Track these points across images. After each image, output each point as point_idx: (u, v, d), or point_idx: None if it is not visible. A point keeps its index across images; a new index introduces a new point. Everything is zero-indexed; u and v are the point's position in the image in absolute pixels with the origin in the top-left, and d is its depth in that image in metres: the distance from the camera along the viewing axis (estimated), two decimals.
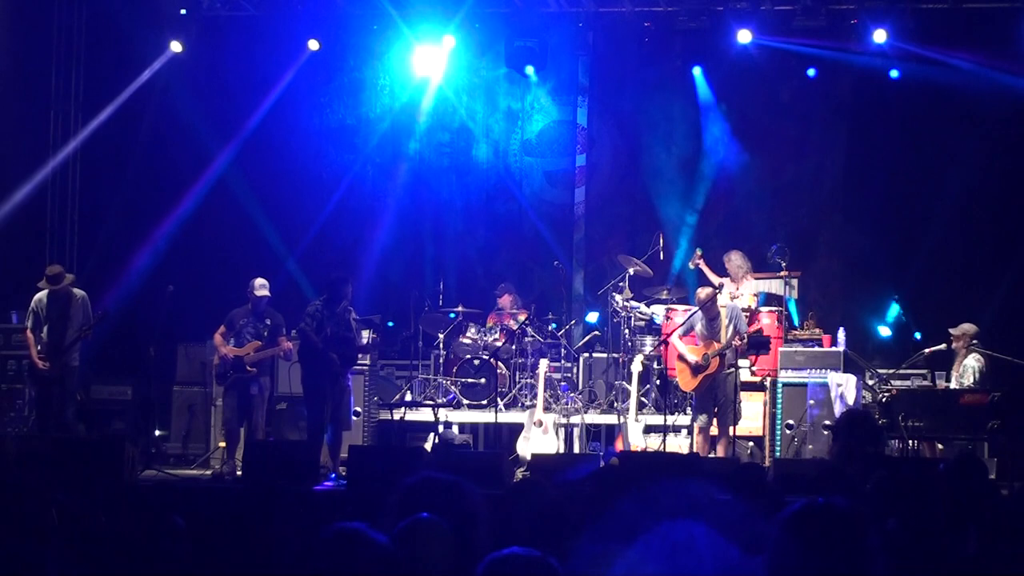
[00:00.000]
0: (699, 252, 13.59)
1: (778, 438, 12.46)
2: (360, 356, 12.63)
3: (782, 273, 13.42)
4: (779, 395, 12.54)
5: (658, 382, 13.35)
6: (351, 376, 12.29)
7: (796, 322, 13.63)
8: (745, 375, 12.29)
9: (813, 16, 14.58)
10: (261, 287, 12.17)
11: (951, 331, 12.04)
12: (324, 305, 11.77)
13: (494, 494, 4.75)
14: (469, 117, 16.46)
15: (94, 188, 15.72)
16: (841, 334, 12.86)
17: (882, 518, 4.32)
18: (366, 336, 13.18)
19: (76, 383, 12.21)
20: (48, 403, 11.93)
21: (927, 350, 12.27)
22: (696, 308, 12.18)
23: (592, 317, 14.88)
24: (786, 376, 12.60)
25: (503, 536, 3.84)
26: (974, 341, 11.95)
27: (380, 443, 13.21)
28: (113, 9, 15.23)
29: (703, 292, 12.13)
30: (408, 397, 13.74)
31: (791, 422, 12.48)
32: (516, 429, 13.07)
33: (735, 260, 13.47)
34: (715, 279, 13.31)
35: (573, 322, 15.21)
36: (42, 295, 12.09)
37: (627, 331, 13.70)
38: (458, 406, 13.63)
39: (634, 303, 13.77)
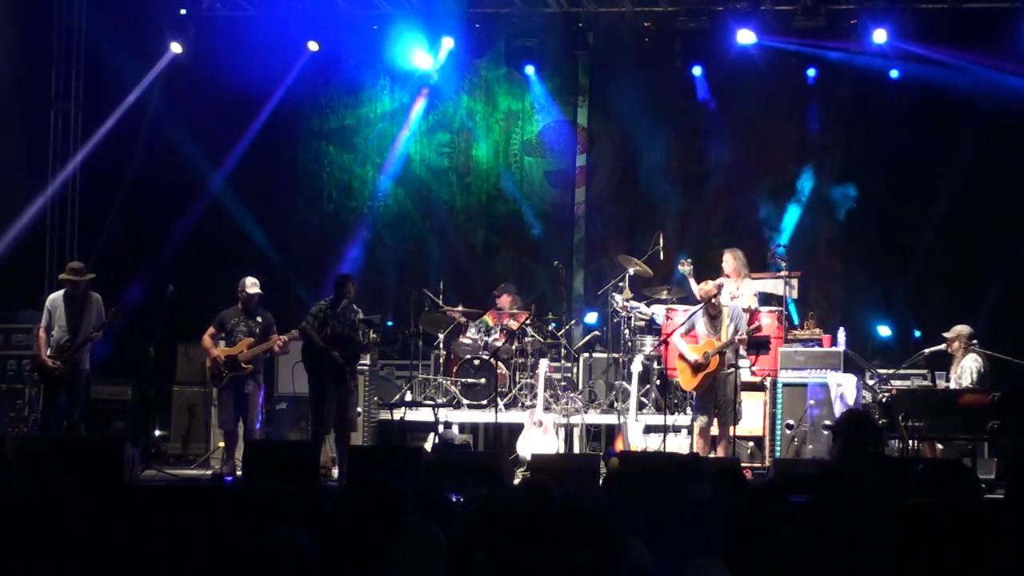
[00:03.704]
0: (687, 262, 13.34)
1: (778, 438, 12.45)
2: (360, 356, 12.64)
3: (782, 273, 13.41)
4: (779, 395, 12.54)
5: (658, 382, 13.35)
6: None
7: (796, 322, 13.63)
8: (745, 375, 12.28)
9: (813, 16, 14.57)
10: (252, 285, 12.18)
11: (944, 335, 12.01)
12: (328, 304, 11.87)
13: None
14: (469, 117, 16.49)
15: (94, 188, 15.73)
16: (841, 334, 12.85)
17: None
18: (371, 335, 13.19)
19: (85, 385, 12.17)
20: (55, 404, 11.88)
21: (927, 350, 12.25)
22: (699, 306, 12.15)
23: (591, 317, 14.89)
24: (786, 376, 12.60)
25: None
26: (973, 342, 11.93)
27: (380, 443, 13.21)
28: (113, 9, 15.24)
29: (708, 284, 12.10)
30: (408, 397, 13.74)
31: (791, 422, 12.47)
32: (516, 429, 13.07)
33: (730, 261, 13.41)
34: (695, 288, 12.87)
35: (573, 322, 15.21)
36: (58, 295, 12.04)
37: (627, 331, 13.69)
38: (458, 406, 13.63)
39: (634, 303, 13.75)
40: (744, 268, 13.36)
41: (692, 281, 12.93)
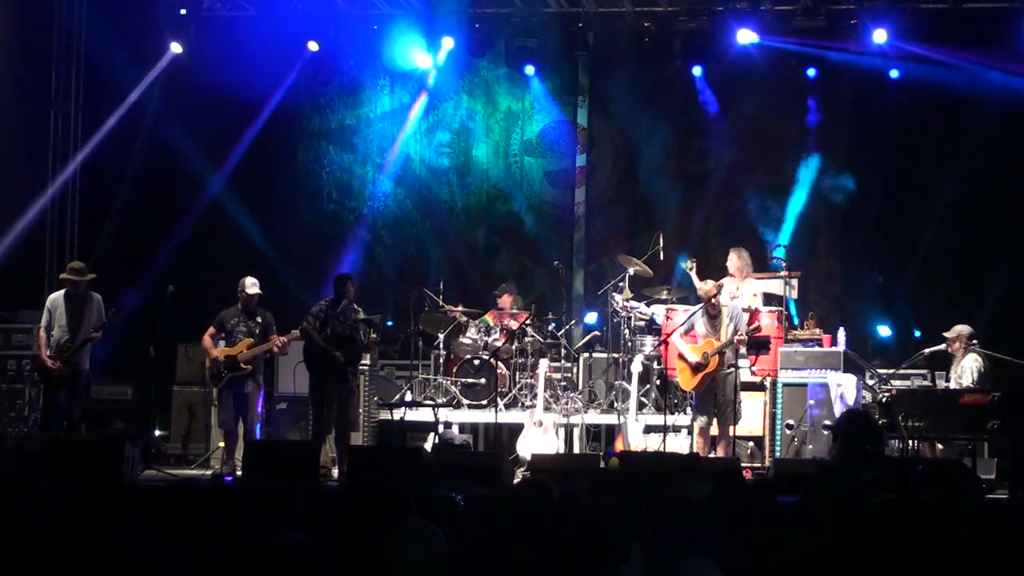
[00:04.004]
0: (691, 261, 13.33)
1: (778, 438, 12.45)
2: (361, 356, 12.64)
3: (782, 273, 13.41)
4: (779, 395, 12.53)
5: (658, 382, 13.34)
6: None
7: (796, 322, 13.63)
8: (745, 375, 12.28)
9: (813, 16, 14.58)
10: (252, 285, 12.18)
11: (945, 334, 12.02)
12: (328, 304, 11.88)
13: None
14: (469, 117, 16.49)
15: (94, 188, 15.73)
16: (841, 334, 12.84)
17: None
18: (371, 335, 13.19)
19: (85, 385, 12.15)
20: (55, 404, 11.87)
21: (927, 350, 12.25)
22: (699, 306, 12.16)
23: (591, 317, 14.89)
24: (786, 376, 12.59)
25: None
26: (973, 342, 11.93)
27: (380, 443, 13.22)
28: (113, 9, 15.25)
29: (708, 284, 12.10)
30: (408, 397, 13.74)
31: (791, 422, 12.47)
32: (516, 429, 13.06)
33: (735, 260, 13.44)
34: (699, 285, 12.86)
35: (573, 322, 15.22)
36: (58, 295, 12.03)
37: (627, 331, 13.69)
38: (458, 406, 13.63)
39: (634, 303, 13.75)
40: (748, 267, 13.38)
41: (695, 277, 12.91)
